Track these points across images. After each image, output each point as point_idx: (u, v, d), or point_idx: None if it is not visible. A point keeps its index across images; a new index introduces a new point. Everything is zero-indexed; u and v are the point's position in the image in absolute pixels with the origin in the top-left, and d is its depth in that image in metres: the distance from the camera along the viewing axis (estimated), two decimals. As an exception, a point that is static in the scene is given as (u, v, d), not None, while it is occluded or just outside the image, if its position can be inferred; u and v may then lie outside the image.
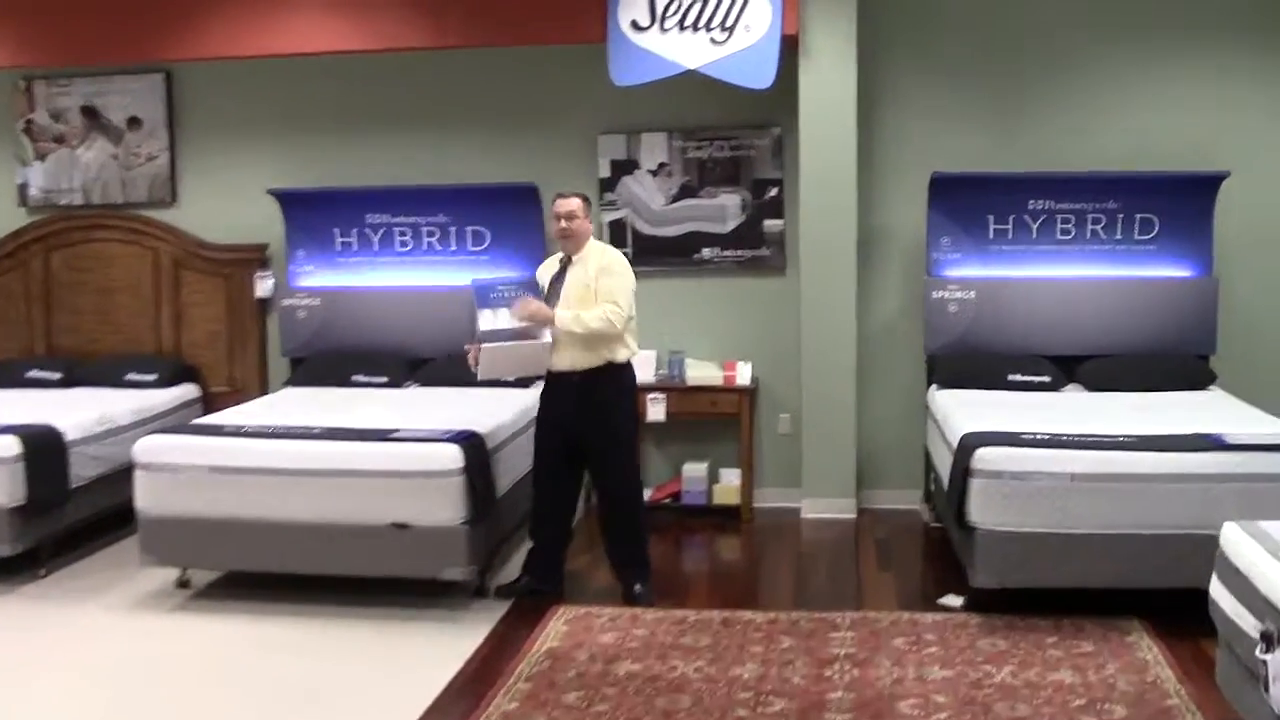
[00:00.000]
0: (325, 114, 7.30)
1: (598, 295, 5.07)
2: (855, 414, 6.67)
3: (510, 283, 5.22)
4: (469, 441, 5.14)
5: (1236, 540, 3.60)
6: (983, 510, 4.83)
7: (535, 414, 5.44)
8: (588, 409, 5.16)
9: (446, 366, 6.64)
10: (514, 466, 5.75)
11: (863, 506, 6.83)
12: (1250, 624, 3.35)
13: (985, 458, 4.81)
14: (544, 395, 5.36)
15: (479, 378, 5.11)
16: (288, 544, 5.12)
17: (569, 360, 5.14)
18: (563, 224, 5.16)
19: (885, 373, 6.97)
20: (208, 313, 7.46)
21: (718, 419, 6.89)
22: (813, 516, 6.73)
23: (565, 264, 5.22)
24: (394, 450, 5.07)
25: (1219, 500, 4.59)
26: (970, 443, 4.94)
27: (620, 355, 5.19)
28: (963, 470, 4.88)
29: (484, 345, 5.04)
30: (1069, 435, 4.95)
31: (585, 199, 5.26)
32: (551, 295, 5.14)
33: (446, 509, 4.99)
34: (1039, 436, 4.92)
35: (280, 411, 5.95)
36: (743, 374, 6.83)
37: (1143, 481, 4.68)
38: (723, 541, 6.56)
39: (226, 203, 7.42)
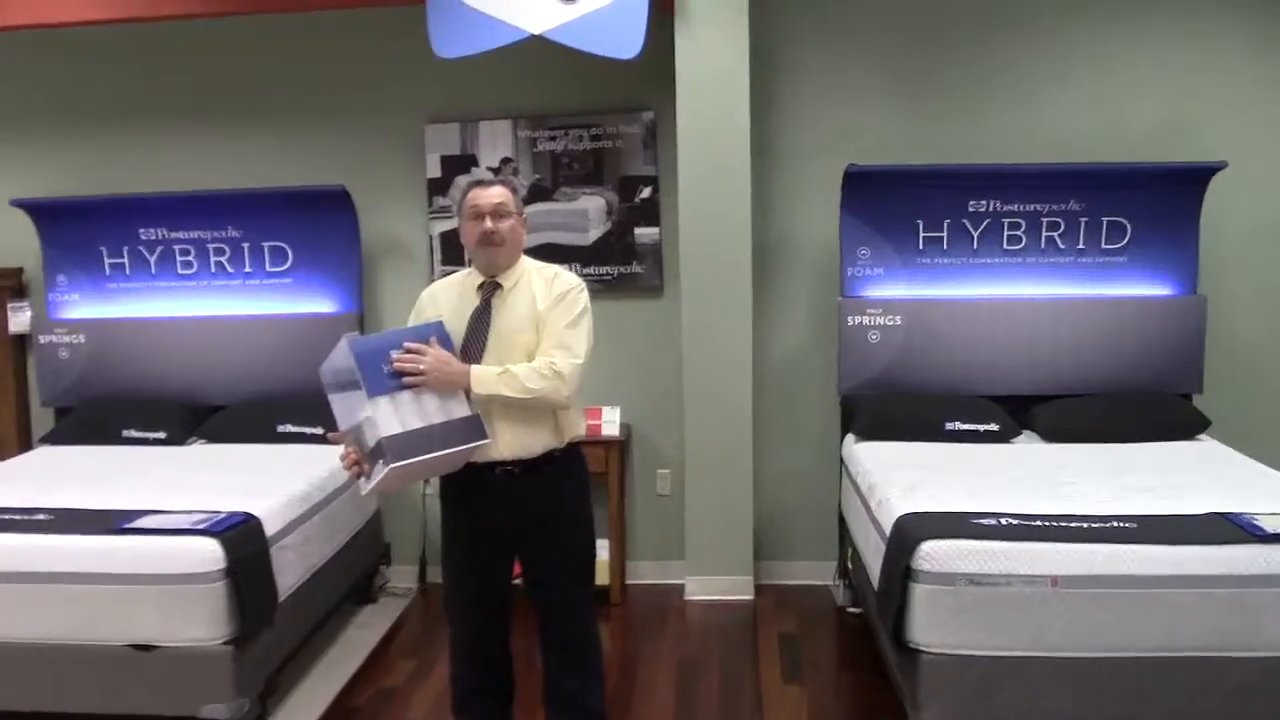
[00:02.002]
0: (88, 105, 6.18)
1: (545, 336, 3.45)
2: (752, 470, 5.71)
3: (406, 339, 3.32)
4: (236, 529, 4.09)
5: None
6: (929, 627, 3.74)
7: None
8: (538, 522, 3.49)
9: (238, 417, 5.73)
10: (308, 555, 4.72)
11: (762, 582, 5.89)
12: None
13: (932, 554, 3.73)
14: (457, 499, 3.55)
15: (364, 492, 3.29)
16: (-4, 671, 4.09)
17: (506, 444, 3.40)
18: (488, 225, 3.41)
19: (789, 419, 5.97)
20: (-45, 352, 6.26)
21: (581, 479, 5.72)
22: (700, 598, 5.77)
23: (489, 293, 3.49)
24: (132, 545, 4.00)
25: (1255, 611, 3.63)
26: (911, 531, 3.87)
27: (578, 429, 3.59)
28: (901, 571, 3.80)
29: (394, 465, 3.16)
30: (1045, 519, 3.91)
31: (513, 187, 3.56)
32: (474, 343, 3.44)
33: (203, 624, 3.98)
34: (1004, 522, 3.87)
35: (10, 484, 4.88)
36: (610, 422, 5.87)
37: (1150, 586, 3.65)
38: (586, 636, 5.38)
39: (-27, 216, 6.28)
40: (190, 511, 4.23)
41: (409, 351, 3.25)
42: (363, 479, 3.25)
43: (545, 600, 3.58)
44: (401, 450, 3.16)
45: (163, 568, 3.93)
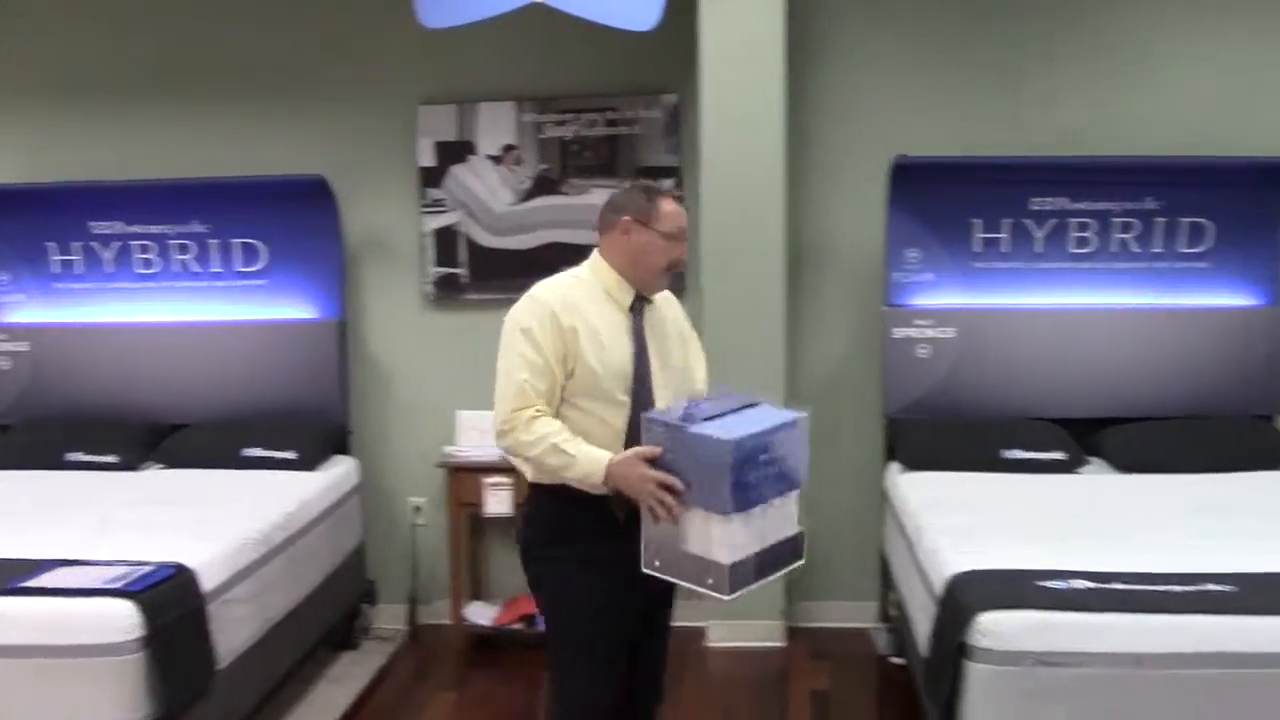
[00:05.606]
0: (34, 79, 5.71)
1: (698, 365, 3.42)
2: (783, 501, 5.12)
3: (779, 438, 2.79)
4: (161, 587, 3.52)
5: None
6: (989, 715, 3.23)
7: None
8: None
9: (200, 439, 5.28)
10: (267, 607, 4.22)
11: (795, 624, 5.38)
12: None
13: (993, 629, 3.21)
14: (612, 555, 3.03)
15: (648, 570, 2.89)
16: None
17: None
18: (683, 248, 3.17)
19: (825, 444, 5.16)
20: (-110, 359, 5.73)
21: (588, 510, 5.22)
22: (723, 645, 5.27)
23: (639, 310, 3.19)
24: (27, 609, 3.44)
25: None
26: (966, 598, 3.36)
27: None
28: (955, 647, 3.28)
29: (730, 597, 2.71)
30: (1126, 579, 3.40)
31: None
32: (640, 369, 3.14)
33: (116, 704, 3.41)
34: (1077, 585, 3.35)
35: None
36: (619, 444, 5.27)
37: (1259, 666, 3.13)
38: (593, 688, 4.91)
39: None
40: (111, 562, 3.68)
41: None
42: (649, 557, 2.84)
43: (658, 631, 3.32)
44: (740, 579, 2.71)
45: (65, 637, 3.39)
